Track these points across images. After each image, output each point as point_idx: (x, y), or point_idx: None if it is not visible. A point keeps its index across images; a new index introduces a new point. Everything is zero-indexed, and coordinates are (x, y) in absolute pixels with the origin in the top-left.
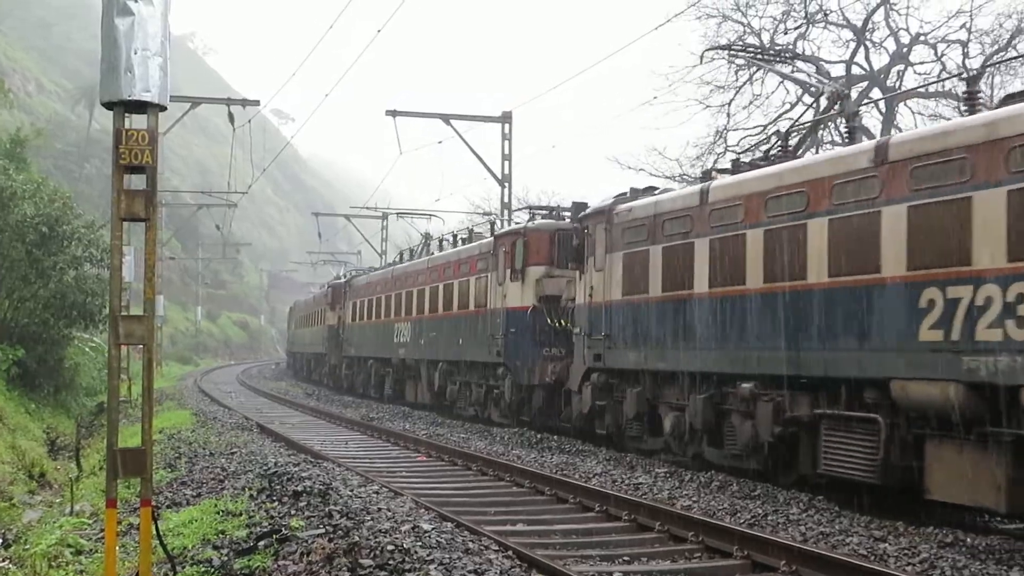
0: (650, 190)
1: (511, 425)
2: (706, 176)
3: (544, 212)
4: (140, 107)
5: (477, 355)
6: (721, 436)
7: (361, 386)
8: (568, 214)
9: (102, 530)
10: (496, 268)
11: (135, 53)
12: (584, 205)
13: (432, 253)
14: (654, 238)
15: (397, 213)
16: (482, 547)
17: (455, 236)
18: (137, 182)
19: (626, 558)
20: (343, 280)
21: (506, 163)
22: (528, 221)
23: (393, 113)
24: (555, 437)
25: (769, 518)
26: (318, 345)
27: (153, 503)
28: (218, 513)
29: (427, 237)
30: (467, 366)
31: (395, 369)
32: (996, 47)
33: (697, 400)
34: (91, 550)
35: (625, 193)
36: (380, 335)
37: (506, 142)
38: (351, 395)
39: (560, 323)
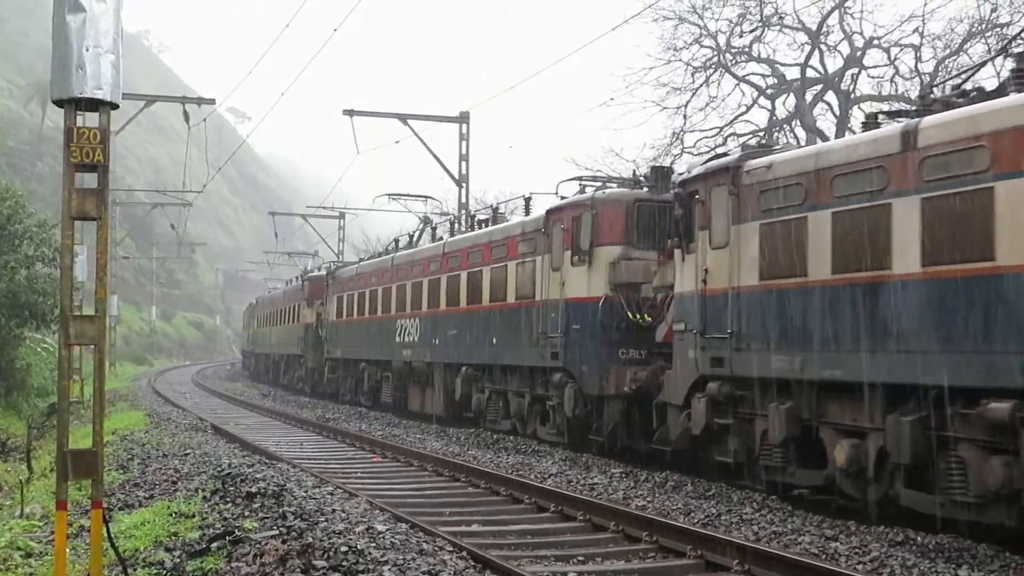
0: (767, 149)
1: (569, 445)
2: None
3: (594, 184)
4: (92, 105)
5: (520, 358)
6: (935, 475)
7: (348, 392)
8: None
9: (52, 532)
10: (549, 250)
11: (87, 50)
12: (666, 170)
13: (442, 238)
14: (817, 200)
15: (396, 195)
16: (436, 548)
17: (472, 218)
18: (89, 180)
19: (580, 558)
20: (323, 272)
21: (463, 163)
22: (589, 191)
23: (350, 112)
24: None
25: (723, 518)
26: (290, 346)
27: (104, 505)
28: (171, 515)
29: (426, 221)
30: (502, 371)
31: (396, 374)
32: (948, 51)
33: (901, 424)
34: (41, 553)
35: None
36: (376, 334)
37: (463, 142)
38: (335, 402)
39: (643, 318)
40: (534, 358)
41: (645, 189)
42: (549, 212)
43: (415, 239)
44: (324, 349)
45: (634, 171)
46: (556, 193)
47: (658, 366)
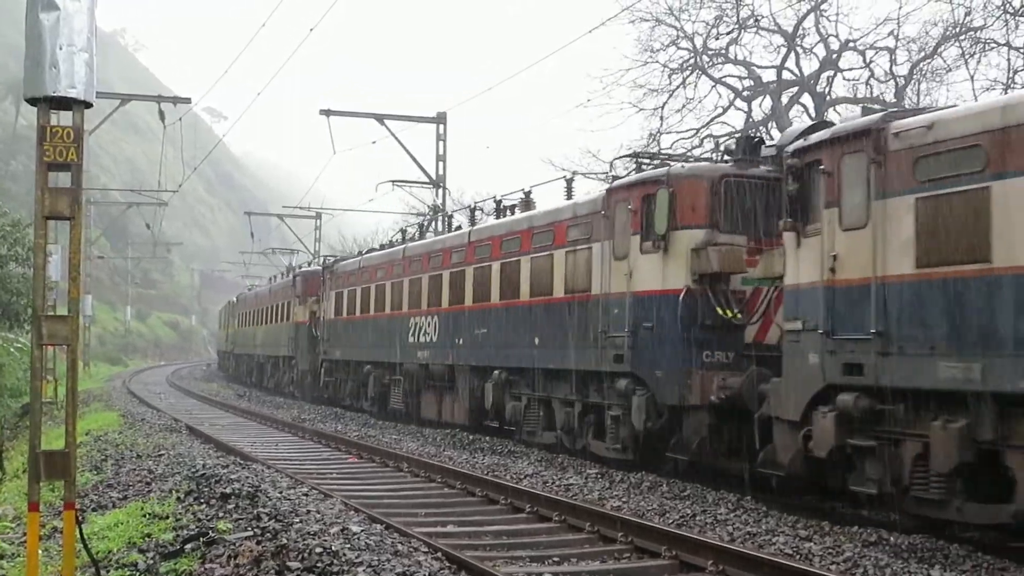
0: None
1: (636, 464)
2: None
3: (655, 159)
4: (66, 103)
5: (570, 360)
6: None
7: (349, 398)
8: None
9: (25, 534)
10: (610, 236)
11: (60, 49)
12: (756, 140)
13: (461, 227)
14: (1005, 165)
15: (393, 183)
16: (411, 549)
17: (498, 203)
18: (63, 180)
19: (556, 559)
20: (319, 266)
21: (440, 164)
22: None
23: (327, 112)
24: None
25: (698, 518)
26: (278, 346)
27: (77, 506)
28: (144, 516)
29: (436, 210)
30: (545, 376)
31: (408, 377)
32: (923, 54)
33: None
34: (13, 554)
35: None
36: (384, 334)
37: (440, 143)
38: (334, 408)
39: (735, 314)
40: (590, 361)
41: (729, 163)
42: (611, 191)
43: (424, 228)
44: (320, 350)
45: (716, 142)
46: (608, 174)
47: (753, 372)
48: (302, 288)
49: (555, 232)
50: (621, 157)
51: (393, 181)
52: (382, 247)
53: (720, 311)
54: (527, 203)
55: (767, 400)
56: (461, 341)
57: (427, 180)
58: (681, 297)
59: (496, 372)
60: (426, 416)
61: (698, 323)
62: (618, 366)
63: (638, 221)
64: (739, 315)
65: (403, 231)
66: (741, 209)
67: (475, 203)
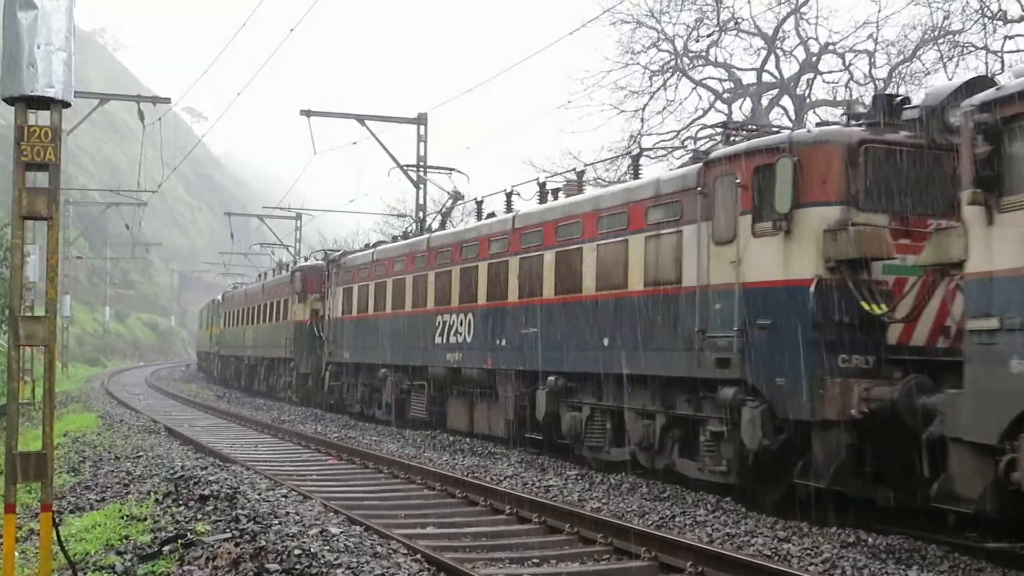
0: None
1: (743, 490)
2: None
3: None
4: (43, 103)
5: (654, 365)
6: None
7: (359, 404)
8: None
9: (0, 536)
10: (709, 216)
11: (38, 48)
12: (899, 99)
13: (493, 214)
14: None
15: (418, 167)
16: (391, 551)
17: (542, 186)
18: (41, 179)
19: (535, 560)
20: (323, 261)
21: (421, 164)
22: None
23: (307, 113)
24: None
25: (677, 519)
26: (273, 347)
27: (54, 508)
28: (122, 518)
29: (457, 196)
30: (617, 382)
31: (434, 383)
32: (902, 57)
33: None
34: None
35: None
36: (404, 334)
37: (421, 144)
38: (340, 414)
39: (885, 310)
40: (680, 366)
41: (863, 127)
42: (710, 163)
43: (443, 215)
44: (324, 351)
45: (849, 101)
46: (694, 149)
47: (912, 381)
48: (302, 284)
49: (630, 214)
50: (715, 125)
51: (408, 166)
52: (394, 239)
53: (867, 306)
54: (580, 185)
55: (940, 417)
56: (503, 342)
57: (447, 167)
58: (812, 288)
59: (551, 378)
60: (454, 427)
61: (833, 320)
62: (722, 372)
63: (749, 198)
64: (888, 311)
65: (420, 221)
66: (883, 182)
67: (513, 187)
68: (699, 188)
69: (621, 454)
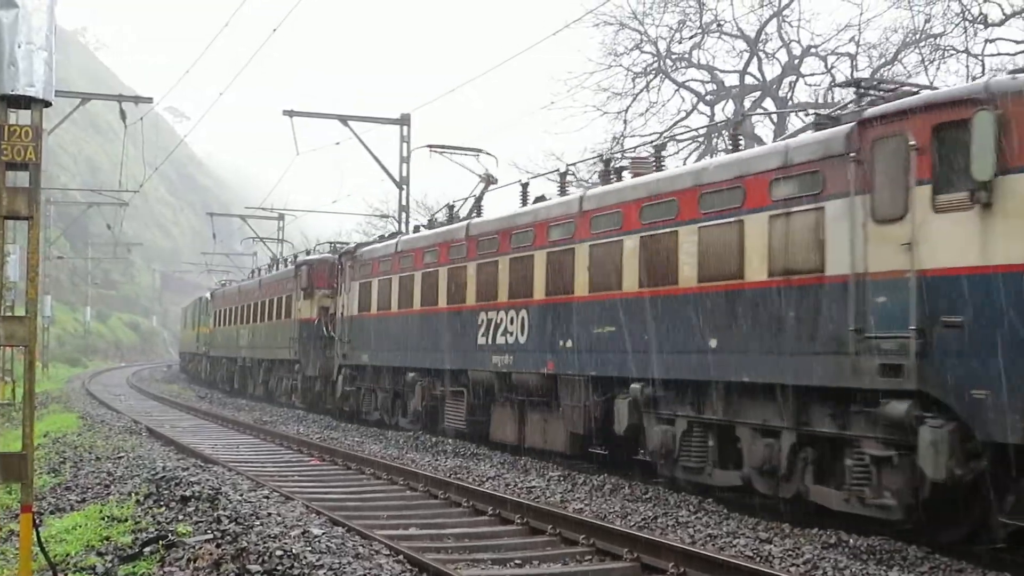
0: None
1: (920, 532)
2: None
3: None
4: (24, 102)
5: (787, 372)
6: None
7: (380, 411)
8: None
9: None
10: (867, 188)
11: (19, 47)
12: None
13: (530, 201)
14: None
15: (439, 148)
16: (373, 552)
17: (607, 163)
18: (21, 179)
19: (517, 561)
20: (335, 253)
21: (404, 165)
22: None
23: (290, 113)
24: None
25: (659, 520)
26: (274, 348)
27: (35, 509)
28: (103, 519)
29: (489, 179)
30: (727, 392)
31: (475, 390)
32: (883, 60)
33: None
34: None
35: None
36: (437, 333)
37: (404, 144)
38: (355, 424)
39: None
40: (825, 373)
41: None
42: (866, 122)
43: (475, 200)
44: (336, 353)
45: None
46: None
47: None
48: (308, 279)
49: (747, 189)
50: (837, 86)
51: (431, 146)
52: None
53: None
54: (658, 162)
55: None
56: (569, 343)
57: (475, 148)
58: None
59: (635, 385)
60: (499, 439)
61: None
62: (891, 381)
63: (927, 163)
64: None
65: (450, 207)
66: None
67: (568, 166)
68: (850, 154)
69: (730, 478)
